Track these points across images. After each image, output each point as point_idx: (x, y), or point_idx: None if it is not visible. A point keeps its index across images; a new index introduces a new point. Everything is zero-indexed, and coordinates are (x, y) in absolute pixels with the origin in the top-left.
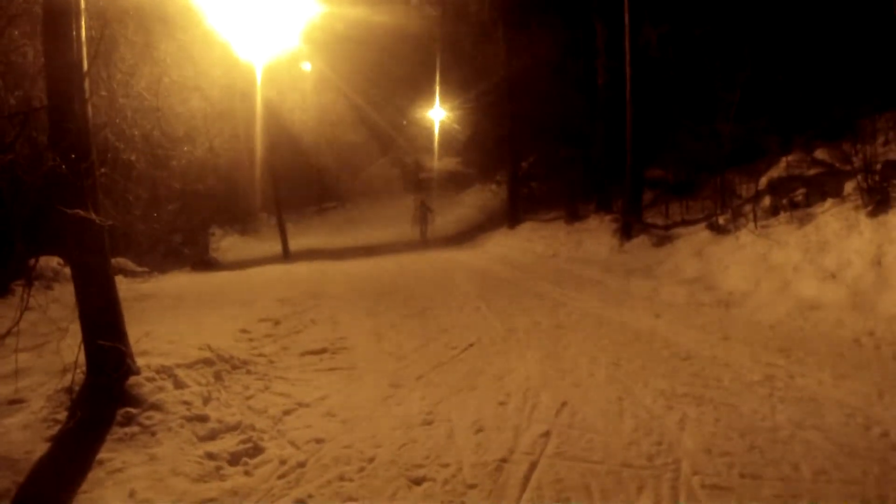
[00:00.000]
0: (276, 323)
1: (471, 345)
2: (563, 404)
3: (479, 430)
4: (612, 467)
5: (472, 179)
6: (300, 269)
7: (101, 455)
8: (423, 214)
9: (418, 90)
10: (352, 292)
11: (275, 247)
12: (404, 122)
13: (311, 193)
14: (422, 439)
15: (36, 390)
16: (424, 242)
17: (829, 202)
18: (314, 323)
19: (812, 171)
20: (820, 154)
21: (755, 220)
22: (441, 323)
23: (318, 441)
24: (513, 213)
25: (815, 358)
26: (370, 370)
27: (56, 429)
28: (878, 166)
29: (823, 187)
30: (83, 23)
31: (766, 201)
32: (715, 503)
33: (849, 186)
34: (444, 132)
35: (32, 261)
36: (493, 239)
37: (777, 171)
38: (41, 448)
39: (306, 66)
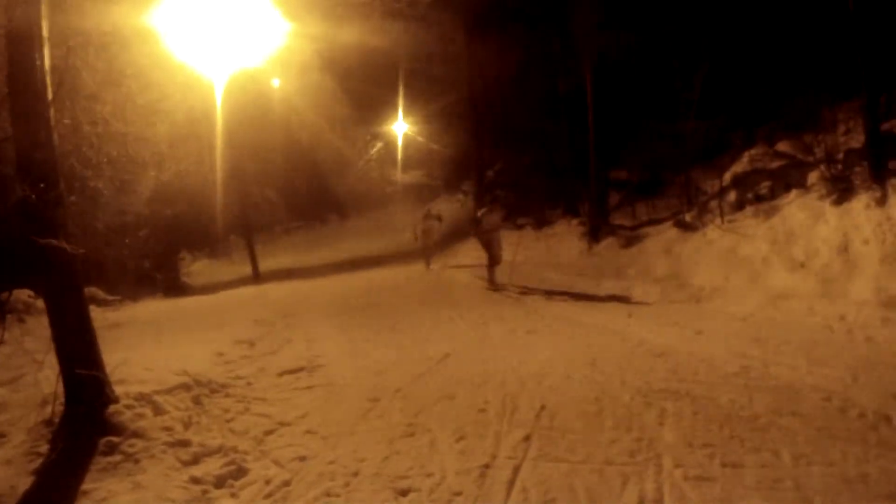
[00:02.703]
0: (252, 344)
1: (447, 355)
2: (543, 408)
3: (461, 438)
4: (595, 466)
5: (439, 191)
6: (271, 289)
7: (86, 485)
8: (430, 227)
9: (384, 104)
10: (324, 310)
11: (245, 269)
12: (369, 137)
13: (279, 213)
14: (405, 450)
15: (15, 424)
16: (428, 264)
17: (793, 193)
18: (289, 342)
19: (775, 164)
20: (782, 146)
21: (722, 215)
22: (416, 335)
23: (302, 459)
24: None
25: (789, 346)
26: (348, 386)
27: (39, 462)
28: (841, 156)
29: (788, 179)
30: (46, 51)
31: (732, 196)
32: (699, 494)
33: (813, 177)
34: (410, 145)
35: (5, 294)
36: (462, 249)
37: (741, 166)
38: (25, 482)
39: (275, 83)
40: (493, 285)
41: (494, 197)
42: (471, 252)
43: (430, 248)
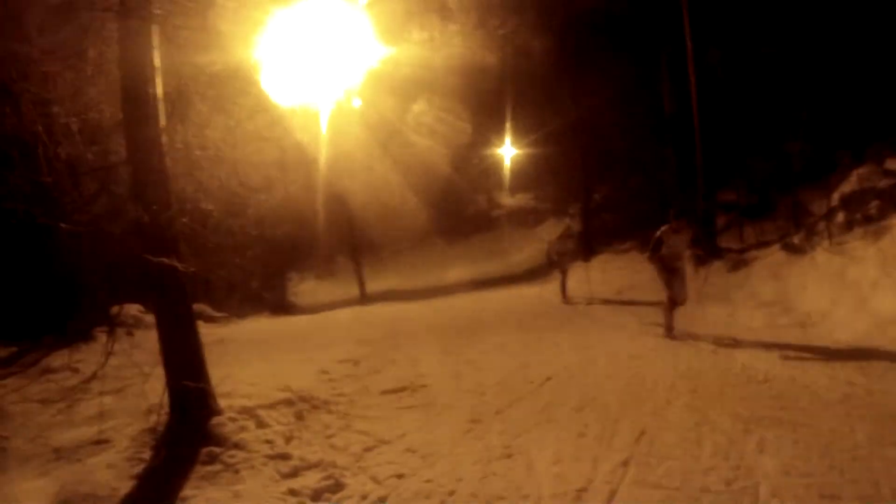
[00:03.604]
0: (356, 363)
1: (549, 378)
2: (642, 433)
3: (559, 462)
4: (690, 493)
5: (546, 214)
6: (378, 310)
7: (185, 492)
8: (567, 249)
9: (490, 128)
10: (429, 332)
11: (352, 289)
12: (475, 161)
13: (385, 235)
14: (501, 472)
15: (120, 431)
16: (565, 290)
17: None
18: (393, 362)
19: (885, 183)
20: (891, 165)
21: (830, 237)
22: (518, 358)
23: (399, 476)
24: (587, 246)
25: (894, 374)
26: (449, 406)
27: (141, 467)
28: None
29: None
30: (158, 81)
31: (840, 217)
32: None
33: None
34: (516, 168)
35: (115, 308)
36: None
37: (849, 186)
38: (126, 486)
39: (356, 103)
40: (671, 333)
41: (680, 211)
42: (578, 273)
43: (567, 271)
